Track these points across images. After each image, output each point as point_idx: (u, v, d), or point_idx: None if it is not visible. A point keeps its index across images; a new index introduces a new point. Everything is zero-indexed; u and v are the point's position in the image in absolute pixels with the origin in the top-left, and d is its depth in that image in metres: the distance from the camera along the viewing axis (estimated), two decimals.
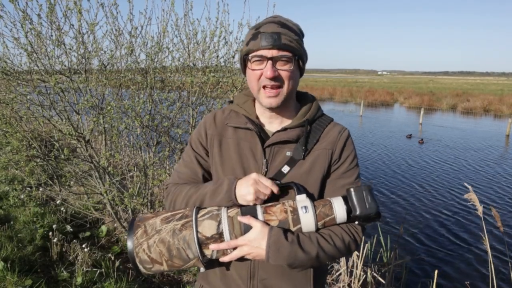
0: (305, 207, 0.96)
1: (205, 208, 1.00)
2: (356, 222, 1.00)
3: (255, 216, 0.96)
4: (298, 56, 1.01)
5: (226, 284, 1.10)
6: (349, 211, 0.98)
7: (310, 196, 1.00)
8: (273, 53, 0.98)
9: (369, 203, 0.97)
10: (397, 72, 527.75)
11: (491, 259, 2.34)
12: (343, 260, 2.89)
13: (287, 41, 0.98)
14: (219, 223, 0.95)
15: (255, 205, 0.98)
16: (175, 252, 0.94)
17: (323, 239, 0.99)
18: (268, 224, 0.96)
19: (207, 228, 0.94)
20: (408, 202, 6.21)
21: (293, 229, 0.97)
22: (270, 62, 0.98)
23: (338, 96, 31.71)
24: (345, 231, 1.02)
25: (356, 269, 2.87)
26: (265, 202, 1.00)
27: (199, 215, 0.97)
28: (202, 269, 0.99)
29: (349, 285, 2.87)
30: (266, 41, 0.97)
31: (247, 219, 0.94)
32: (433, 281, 2.46)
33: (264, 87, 1.01)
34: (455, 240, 4.89)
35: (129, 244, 0.95)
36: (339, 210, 0.98)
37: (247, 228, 0.95)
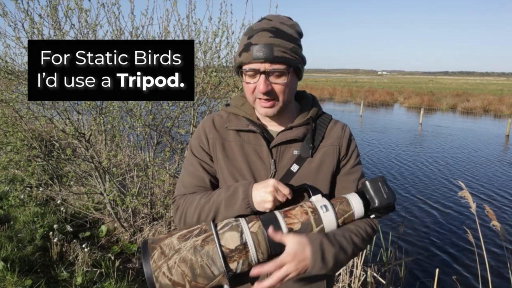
0: (325, 206, 0.95)
1: (221, 222, 0.95)
2: (373, 216, 1.01)
3: (277, 222, 0.92)
4: (294, 67, 0.96)
5: None
6: (366, 205, 0.98)
7: (324, 195, 0.99)
8: (266, 67, 0.92)
9: (386, 193, 0.98)
10: (397, 72, 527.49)
11: (486, 257, 2.35)
12: None
13: (281, 52, 0.92)
14: (241, 233, 0.90)
15: (272, 210, 0.95)
16: (199, 271, 0.87)
17: (355, 235, 0.99)
18: (292, 230, 0.92)
19: (230, 240, 0.89)
20: (408, 202, 6.21)
21: (315, 229, 0.95)
22: (263, 76, 0.93)
23: (338, 96, 31.67)
24: (366, 224, 1.03)
25: (356, 269, 2.87)
26: (280, 206, 0.96)
27: (218, 228, 0.92)
28: (226, 287, 0.93)
29: (349, 285, 2.87)
30: (257, 54, 0.92)
31: (278, 237, 0.88)
32: (434, 280, 2.47)
33: (259, 98, 0.98)
34: (455, 240, 4.89)
35: (147, 269, 0.85)
36: (357, 205, 0.98)
37: (272, 243, 0.90)
